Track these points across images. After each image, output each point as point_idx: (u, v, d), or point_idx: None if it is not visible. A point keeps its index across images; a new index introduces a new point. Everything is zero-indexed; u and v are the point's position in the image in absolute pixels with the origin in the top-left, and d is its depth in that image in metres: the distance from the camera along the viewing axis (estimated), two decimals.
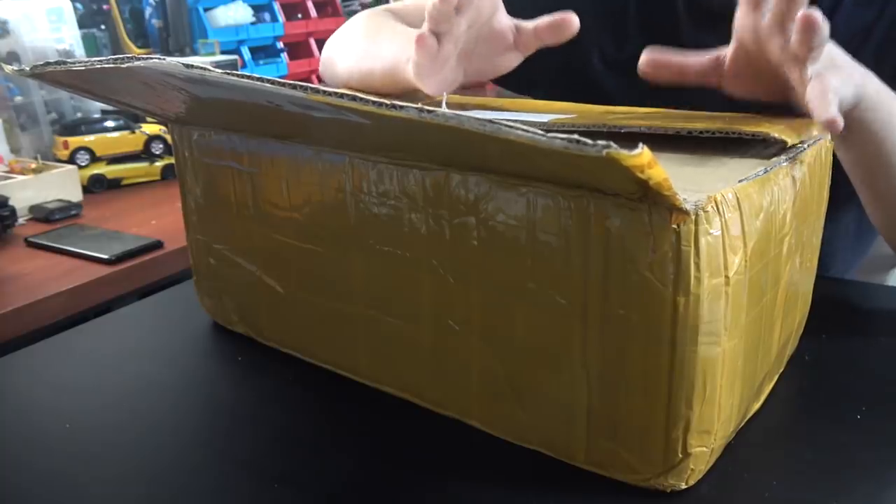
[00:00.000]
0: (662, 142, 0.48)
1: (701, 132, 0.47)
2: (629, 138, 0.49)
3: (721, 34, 0.73)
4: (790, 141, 0.45)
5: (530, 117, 0.55)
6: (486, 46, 0.60)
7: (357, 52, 0.75)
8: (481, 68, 0.61)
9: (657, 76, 0.56)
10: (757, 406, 0.49)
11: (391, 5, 0.88)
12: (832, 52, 0.50)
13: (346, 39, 0.80)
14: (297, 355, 0.58)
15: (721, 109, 0.54)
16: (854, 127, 0.54)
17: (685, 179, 0.41)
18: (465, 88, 0.85)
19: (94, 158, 1.57)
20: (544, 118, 0.54)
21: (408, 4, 0.87)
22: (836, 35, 0.70)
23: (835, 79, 0.48)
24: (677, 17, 0.73)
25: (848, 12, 0.68)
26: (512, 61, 0.61)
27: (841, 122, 0.44)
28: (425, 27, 0.56)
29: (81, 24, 1.76)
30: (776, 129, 0.46)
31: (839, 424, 0.48)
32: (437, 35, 0.54)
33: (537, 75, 0.82)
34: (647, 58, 0.55)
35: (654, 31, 0.74)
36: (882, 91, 0.56)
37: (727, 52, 0.55)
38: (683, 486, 0.41)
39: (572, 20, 0.55)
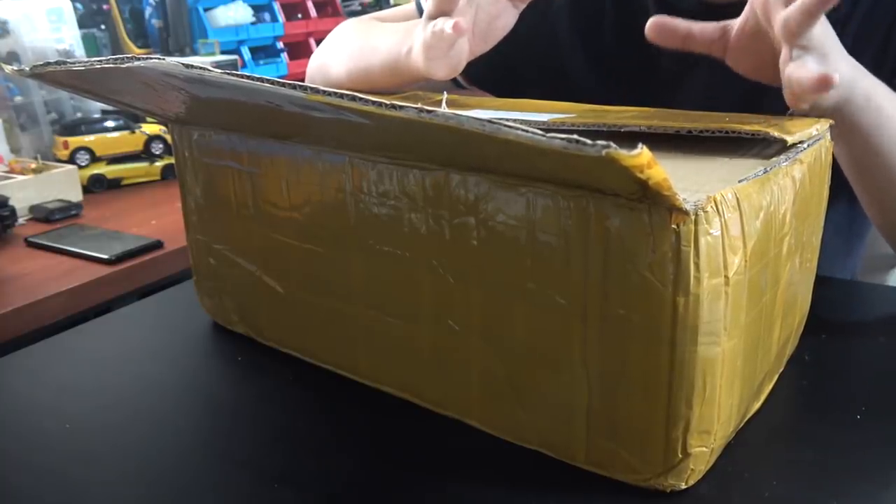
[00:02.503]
0: (662, 141, 0.48)
1: (701, 132, 0.47)
2: (629, 138, 0.49)
3: None
4: (790, 140, 0.45)
5: (530, 117, 0.55)
6: (484, 12, 0.60)
7: (351, 51, 0.75)
8: (484, 33, 0.62)
9: (663, 41, 0.55)
10: (757, 406, 0.49)
11: (377, 14, 0.88)
12: (825, 47, 0.50)
13: (338, 45, 0.80)
14: (297, 355, 0.58)
15: (704, 110, 0.54)
16: (843, 127, 0.54)
17: (685, 179, 0.41)
18: (461, 88, 0.85)
19: (94, 158, 1.57)
20: (544, 118, 0.54)
21: (394, 12, 0.87)
22: None
23: (815, 64, 0.48)
24: (648, 15, 0.74)
25: None
26: (510, 19, 0.62)
27: (835, 78, 0.46)
28: (430, 9, 0.56)
29: (81, 24, 1.76)
30: (776, 129, 0.46)
31: (839, 424, 0.48)
32: (445, 16, 0.54)
33: (521, 82, 0.82)
34: (654, 22, 0.55)
35: (629, 35, 0.75)
36: (872, 91, 0.56)
37: (736, 22, 0.55)
38: (683, 486, 0.42)
39: None
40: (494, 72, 0.76)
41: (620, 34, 0.76)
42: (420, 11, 0.84)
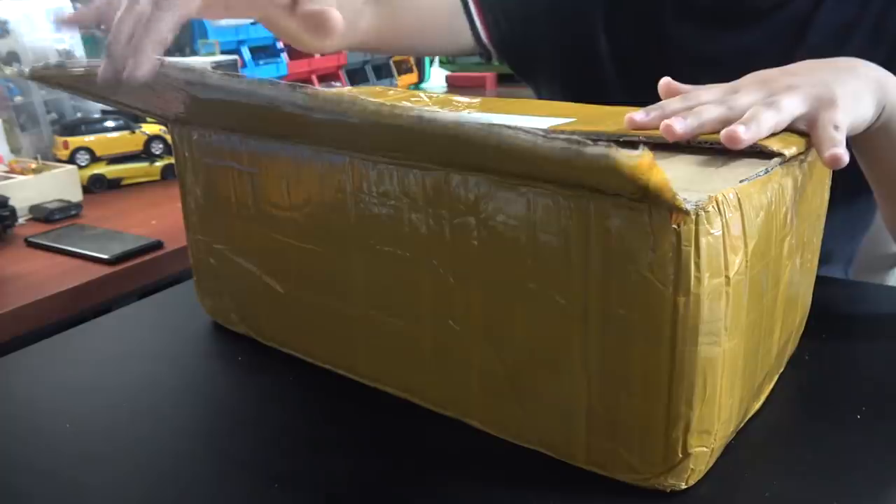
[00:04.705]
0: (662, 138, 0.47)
1: (700, 143, 0.46)
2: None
3: (698, 22, 0.73)
4: (788, 153, 0.45)
5: (530, 121, 0.55)
6: None
7: None
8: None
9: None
10: (757, 406, 0.49)
11: None
12: (826, 78, 0.49)
13: None
14: (297, 355, 0.58)
15: None
16: (877, 131, 0.53)
17: (685, 179, 0.41)
18: (461, 88, 0.85)
19: (94, 158, 1.57)
20: (544, 122, 0.54)
21: None
22: (818, 30, 0.69)
23: (830, 113, 0.47)
24: (662, 7, 0.74)
25: (831, 7, 0.68)
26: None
27: (844, 158, 0.45)
28: None
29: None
30: (774, 143, 0.45)
31: (839, 424, 0.48)
32: None
33: (543, 62, 0.82)
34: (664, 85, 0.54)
35: (642, 22, 0.75)
36: None
37: None
38: (683, 486, 0.42)
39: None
40: (516, 40, 0.77)
41: (634, 27, 0.76)
42: None
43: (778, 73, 0.51)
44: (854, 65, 0.52)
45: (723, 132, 0.44)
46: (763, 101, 0.47)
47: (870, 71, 0.52)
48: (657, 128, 0.47)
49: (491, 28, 0.82)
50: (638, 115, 0.48)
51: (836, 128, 0.47)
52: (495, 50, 0.85)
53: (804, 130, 0.48)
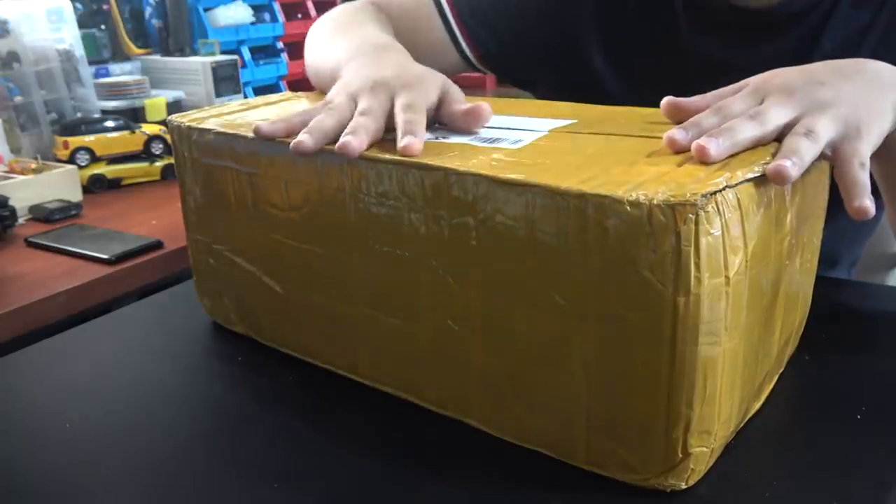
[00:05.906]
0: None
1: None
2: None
3: (718, 34, 0.72)
4: None
5: (531, 123, 0.54)
6: None
7: (317, 46, 0.73)
8: None
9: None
10: (757, 406, 0.49)
11: None
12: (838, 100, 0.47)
13: (317, 30, 0.78)
14: (297, 355, 0.58)
15: None
16: (892, 140, 0.52)
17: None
18: (461, 88, 0.84)
19: (94, 158, 1.57)
20: (545, 124, 0.53)
21: None
22: (831, 37, 0.69)
23: (855, 145, 0.46)
24: (675, 15, 0.73)
25: (845, 14, 0.68)
26: None
27: (871, 211, 0.44)
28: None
29: (81, 24, 1.76)
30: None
31: (839, 425, 0.48)
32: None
33: (538, 73, 0.82)
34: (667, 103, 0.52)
35: (653, 31, 0.74)
36: None
37: None
38: (683, 486, 0.42)
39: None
40: (507, 56, 0.76)
41: (643, 35, 0.75)
42: (437, 4, 0.81)
43: (801, 80, 0.49)
44: (878, 69, 0.51)
45: (770, 169, 0.42)
46: (799, 128, 0.45)
47: (892, 76, 0.51)
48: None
49: (481, 51, 0.80)
50: (678, 134, 0.45)
51: (862, 165, 0.46)
52: (487, 69, 0.83)
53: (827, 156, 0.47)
